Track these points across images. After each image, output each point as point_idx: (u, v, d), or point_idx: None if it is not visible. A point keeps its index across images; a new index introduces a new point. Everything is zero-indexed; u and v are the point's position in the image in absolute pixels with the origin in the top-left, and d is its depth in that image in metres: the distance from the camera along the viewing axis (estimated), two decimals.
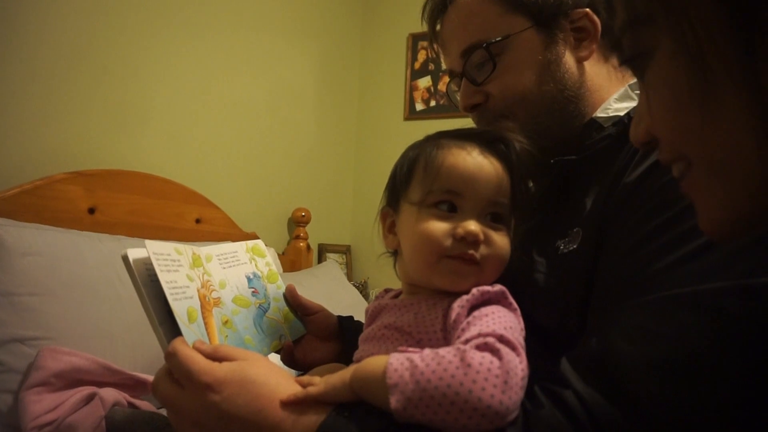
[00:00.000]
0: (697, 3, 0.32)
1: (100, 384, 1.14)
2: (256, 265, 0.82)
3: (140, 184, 1.63)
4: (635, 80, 0.72)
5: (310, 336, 0.81)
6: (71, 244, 1.30)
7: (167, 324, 0.60)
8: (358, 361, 0.59)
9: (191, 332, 0.60)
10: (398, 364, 0.48)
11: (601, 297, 0.58)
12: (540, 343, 0.65)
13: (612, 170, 0.63)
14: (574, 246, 0.64)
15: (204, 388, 0.53)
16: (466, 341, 0.49)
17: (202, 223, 1.82)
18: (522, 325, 0.55)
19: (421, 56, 2.64)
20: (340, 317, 0.84)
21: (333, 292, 2.01)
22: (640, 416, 0.45)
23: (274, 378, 0.55)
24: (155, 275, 0.61)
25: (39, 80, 1.46)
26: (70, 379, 1.12)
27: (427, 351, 0.49)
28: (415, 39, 2.64)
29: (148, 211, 1.64)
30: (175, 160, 1.82)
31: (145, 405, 1.16)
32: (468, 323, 0.52)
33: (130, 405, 1.12)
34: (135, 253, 0.62)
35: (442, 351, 0.48)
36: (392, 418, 0.48)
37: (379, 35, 2.76)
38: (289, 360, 0.78)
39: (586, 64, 0.74)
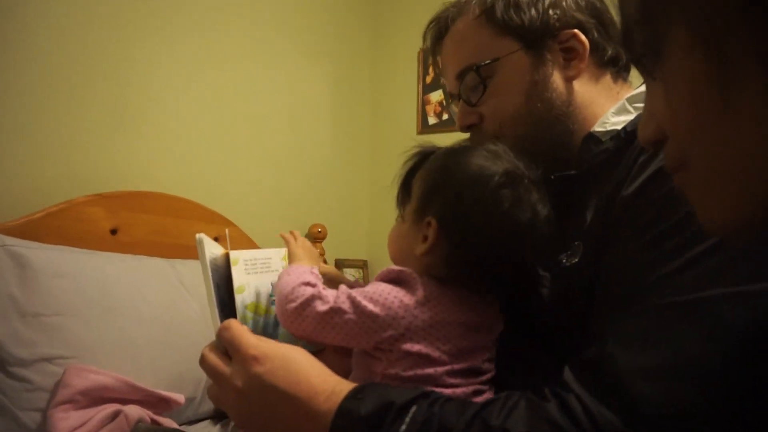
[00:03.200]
0: None
1: (124, 401, 1.17)
2: None
3: (160, 205, 1.67)
4: (632, 94, 0.72)
5: (329, 350, 0.82)
6: (95, 264, 1.34)
7: (221, 306, 0.70)
8: None
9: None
10: None
11: (602, 306, 0.58)
12: (547, 355, 0.66)
13: (610, 184, 0.63)
14: (576, 259, 0.65)
15: (250, 359, 0.59)
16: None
17: (221, 241, 1.85)
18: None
19: (432, 71, 2.66)
20: None
21: None
22: (638, 423, 0.45)
23: (313, 362, 0.62)
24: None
25: (60, 106, 1.51)
26: (96, 397, 1.15)
27: None
28: (425, 54, 2.67)
29: (169, 230, 1.67)
30: (193, 180, 1.86)
31: (167, 422, 1.18)
32: None
33: (153, 422, 1.15)
34: (208, 241, 0.73)
35: None
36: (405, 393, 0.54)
37: (391, 51, 2.79)
38: None
39: (576, 82, 0.75)
